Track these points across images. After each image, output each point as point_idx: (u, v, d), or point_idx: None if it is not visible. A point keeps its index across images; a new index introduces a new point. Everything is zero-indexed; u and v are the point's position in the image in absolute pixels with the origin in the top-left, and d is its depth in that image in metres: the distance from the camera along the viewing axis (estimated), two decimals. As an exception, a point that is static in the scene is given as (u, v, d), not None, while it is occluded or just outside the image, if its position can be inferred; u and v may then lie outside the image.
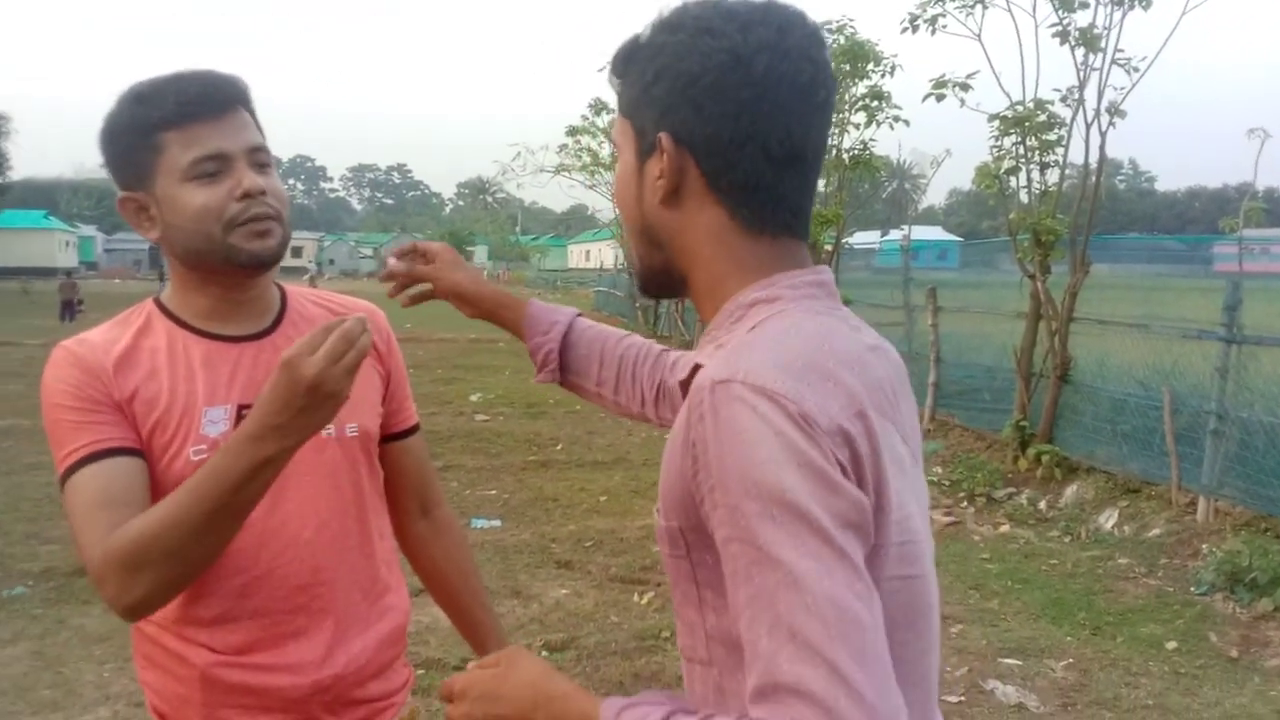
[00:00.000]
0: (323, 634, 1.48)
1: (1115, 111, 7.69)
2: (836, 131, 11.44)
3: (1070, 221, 7.97)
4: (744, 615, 0.87)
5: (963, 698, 4.22)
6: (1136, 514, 6.68)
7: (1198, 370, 6.74)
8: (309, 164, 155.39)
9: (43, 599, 4.96)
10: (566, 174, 21.91)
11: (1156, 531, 6.38)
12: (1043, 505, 7.32)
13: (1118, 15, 7.57)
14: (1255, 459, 6.07)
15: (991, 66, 8.20)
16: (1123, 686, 4.36)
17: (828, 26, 10.89)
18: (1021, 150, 8.24)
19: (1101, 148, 7.83)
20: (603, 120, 19.17)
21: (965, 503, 7.51)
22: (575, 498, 7.38)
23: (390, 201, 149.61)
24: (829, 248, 11.59)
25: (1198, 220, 78.16)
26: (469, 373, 14.46)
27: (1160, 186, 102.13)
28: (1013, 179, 8.46)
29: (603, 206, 30.31)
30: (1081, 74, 7.75)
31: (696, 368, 1.02)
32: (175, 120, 1.38)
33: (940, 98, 8.41)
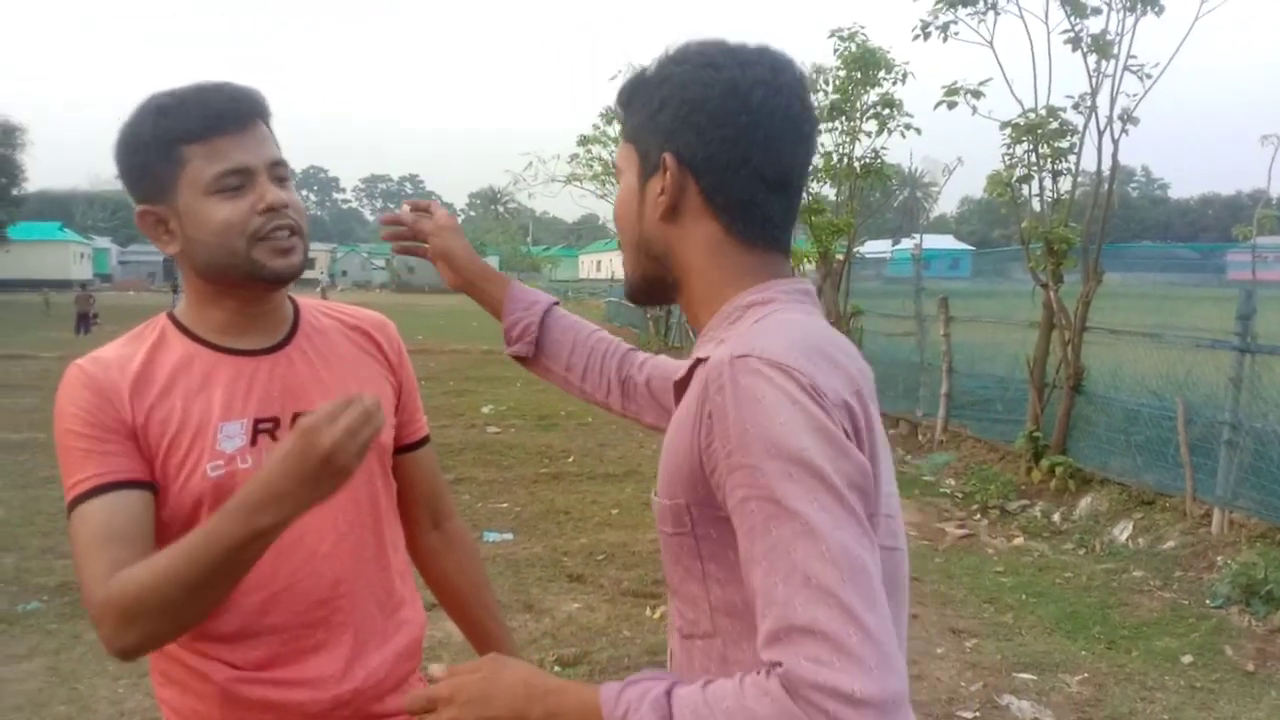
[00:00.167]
0: (342, 648, 1.48)
1: (1128, 118, 7.67)
2: (848, 139, 11.44)
3: (1083, 230, 7.93)
4: (760, 566, 0.94)
5: (977, 713, 4.19)
6: (1151, 526, 6.64)
7: (1211, 380, 6.70)
8: (322, 175, 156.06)
9: (58, 614, 4.97)
10: (578, 184, 21.93)
11: (1171, 544, 6.33)
12: (1056, 517, 7.28)
13: (1130, 21, 7.57)
14: (1270, 470, 6.03)
15: (1004, 73, 8.21)
16: (1138, 701, 4.32)
17: (839, 34, 10.91)
18: (1034, 158, 8.22)
19: (1114, 155, 7.82)
20: (614, 129, 19.20)
21: (979, 515, 7.48)
22: (587, 510, 7.36)
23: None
24: (840, 257, 11.57)
25: (1211, 228, 77.78)
26: (480, 385, 14.47)
27: (1173, 194, 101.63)
28: (1025, 187, 8.44)
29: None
30: (1094, 81, 7.74)
31: (695, 364, 1.11)
32: (199, 134, 1.37)
33: (952, 105, 8.40)
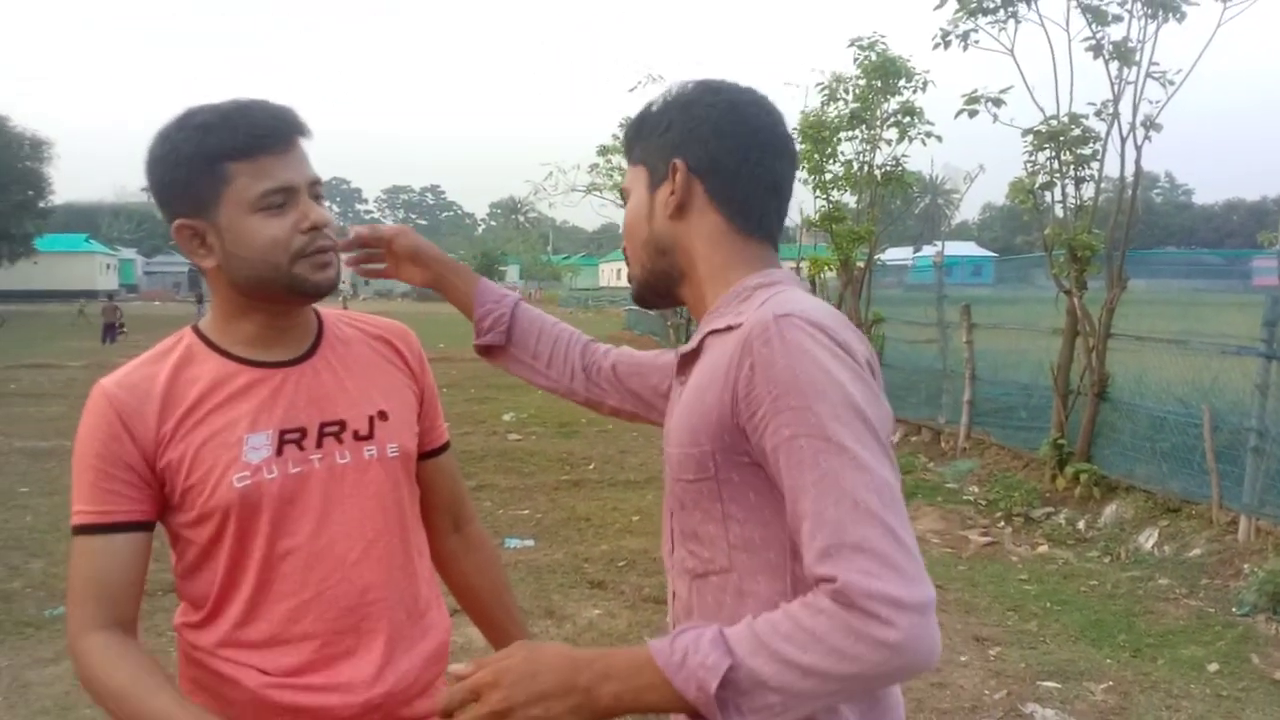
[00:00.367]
0: (372, 654, 1.49)
1: (1151, 125, 7.61)
2: (868, 148, 11.43)
3: (1106, 236, 7.89)
4: (809, 494, 1.07)
5: (1001, 721, 4.16)
6: (1177, 534, 6.57)
7: (1237, 387, 6.63)
8: (345, 186, 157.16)
9: (83, 619, 5.01)
10: (598, 193, 22.02)
11: (1197, 551, 6.27)
12: (1081, 525, 7.22)
13: (1152, 28, 7.51)
14: (1298, 477, 5.96)
15: (1025, 81, 8.16)
16: (1164, 710, 4.28)
17: (859, 43, 10.91)
18: (1056, 165, 8.17)
19: (1137, 161, 7.76)
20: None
21: (1003, 522, 7.44)
22: (608, 517, 7.37)
23: (424, 222, 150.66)
24: (861, 264, 11.54)
25: (1236, 234, 77.09)
26: (501, 392, 14.51)
27: (1198, 199, 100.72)
28: (1047, 194, 8.39)
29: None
30: (1116, 87, 7.68)
31: (705, 337, 1.28)
32: (245, 151, 1.39)
33: (973, 113, 8.36)
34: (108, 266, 68.06)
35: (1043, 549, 6.77)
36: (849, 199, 12.06)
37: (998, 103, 8.28)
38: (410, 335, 1.70)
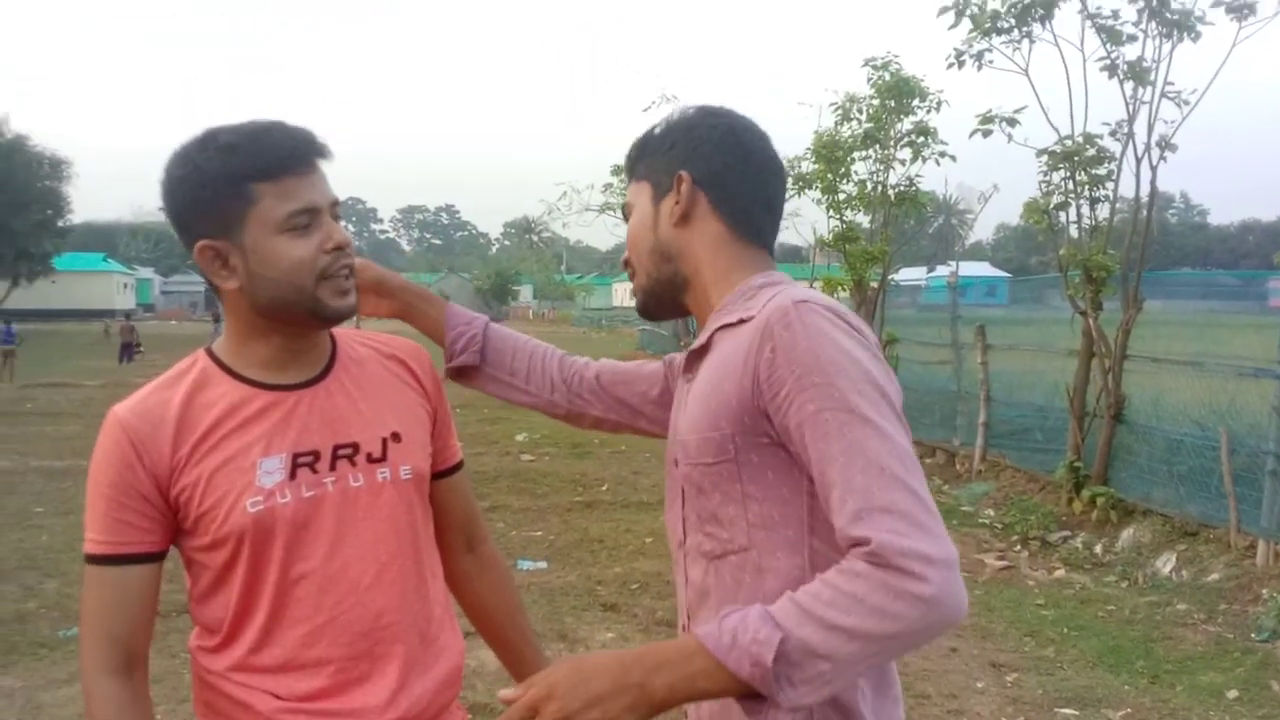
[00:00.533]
0: (386, 679, 1.48)
1: (1166, 145, 7.60)
2: (881, 167, 11.44)
3: (1122, 257, 7.85)
4: (836, 463, 1.14)
5: (1018, 748, 4.11)
6: (1194, 558, 6.51)
7: (1255, 409, 6.57)
8: (360, 205, 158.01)
9: (96, 639, 5.01)
10: (611, 212, 22.07)
11: (1215, 576, 6.21)
12: (1098, 549, 7.16)
13: (1166, 48, 7.51)
14: (1319, 501, 5.89)
15: (1039, 101, 8.16)
16: (1185, 738, 4.22)
17: (873, 63, 10.93)
18: (1071, 185, 8.16)
19: (1153, 182, 7.75)
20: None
21: (1019, 546, 7.38)
22: (621, 539, 7.34)
23: (439, 242, 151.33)
24: (874, 284, 11.53)
25: (1252, 254, 76.64)
26: (515, 413, 14.49)
27: (1213, 220, 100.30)
28: (1062, 214, 8.37)
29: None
30: (1131, 107, 7.68)
31: (714, 334, 1.36)
32: (271, 172, 1.39)
33: (987, 133, 8.36)
34: (125, 286, 68.50)
35: (1060, 573, 6.71)
36: (862, 219, 12.07)
37: (1012, 123, 8.27)
38: (424, 354, 1.69)
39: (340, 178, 1.54)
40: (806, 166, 11.74)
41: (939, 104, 10.90)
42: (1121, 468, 7.71)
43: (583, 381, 1.72)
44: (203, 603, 1.49)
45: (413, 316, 1.74)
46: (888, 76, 10.88)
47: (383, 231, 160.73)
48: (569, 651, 5.00)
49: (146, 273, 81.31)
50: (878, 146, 11.29)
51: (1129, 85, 7.64)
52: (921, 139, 10.99)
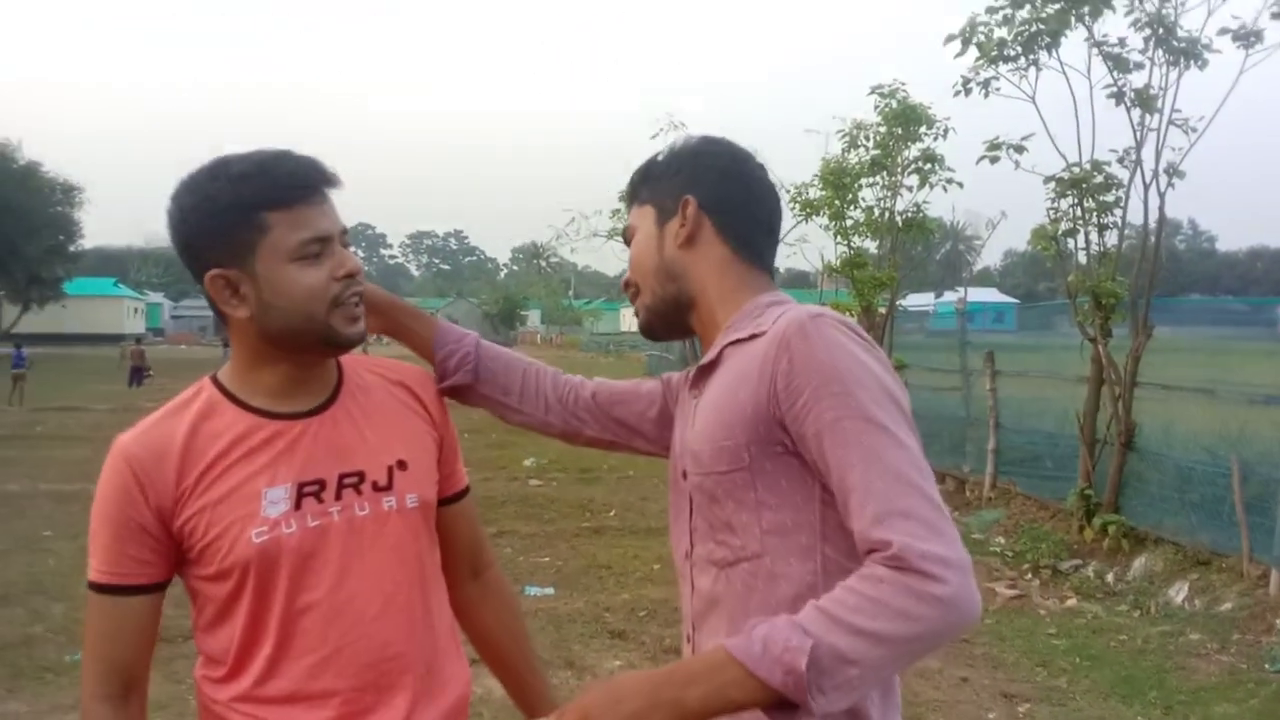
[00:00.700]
0: (392, 710, 1.47)
1: (1174, 172, 7.60)
2: (889, 194, 11.46)
3: (1130, 283, 7.84)
4: (855, 469, 1.19)
5: (1030, 779, 4.06)
6: (1207, 587, 6.45)
7: (1266, 437, 6.55)
8: (369, 231, 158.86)
9: (102, 665, 4.99)
10: (620, 238, 22.12)
11: (1228, 605, 6.15)
12: (1110, 578, 7.10)
13: (1173, 75, 7.53)
14: (1332, 529, 5.84)
15: (1046, 128, 8.17)
16: (1199, 770, 4.17)
17: (880, 90, 10.98)
18: (1079, 212, 8.16)
19: (1161, 208, 7.75)
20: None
21: (1030, 575, 7.32)
22: (629, 565, 7.31)
23: (447, 267, 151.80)
24: (882, 310, 11.52)
25: (1261, 281, 76.57)
26: (522, 438, 14.42)
27: (1221, 246, 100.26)
28: (1070, 241, 8.36)
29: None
30: (1138, 135, 7.69)
31: (724, 350, 1.39)
32: (283, 201, 1.39)
33: (994, 160, 8.37)
34: (135, 310, 68.86)
35: (1071, 602, 6.66)
36: (870, 245, 12.07)
37: (1019, 149, 8.29)
38: (430, 380, 1.68)
39: (349, 204, 1.54)
40: (814, 193, 11.76)
41: (946, 131, 10.93)
42: (1133, 495, 7.66)
43: (578, 400, 1.72)
44: (208, 633, 1.48)
45: (401, 334, 1.73)
46: (895, 104, 10.91)
47: (392, 257, 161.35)
48: (576, 679, 4.96)
49: (157, 297, 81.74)
50: (885, 173, 11.32)
51: (1136, 112, 7.66)
52: (929, 166, 11.01)
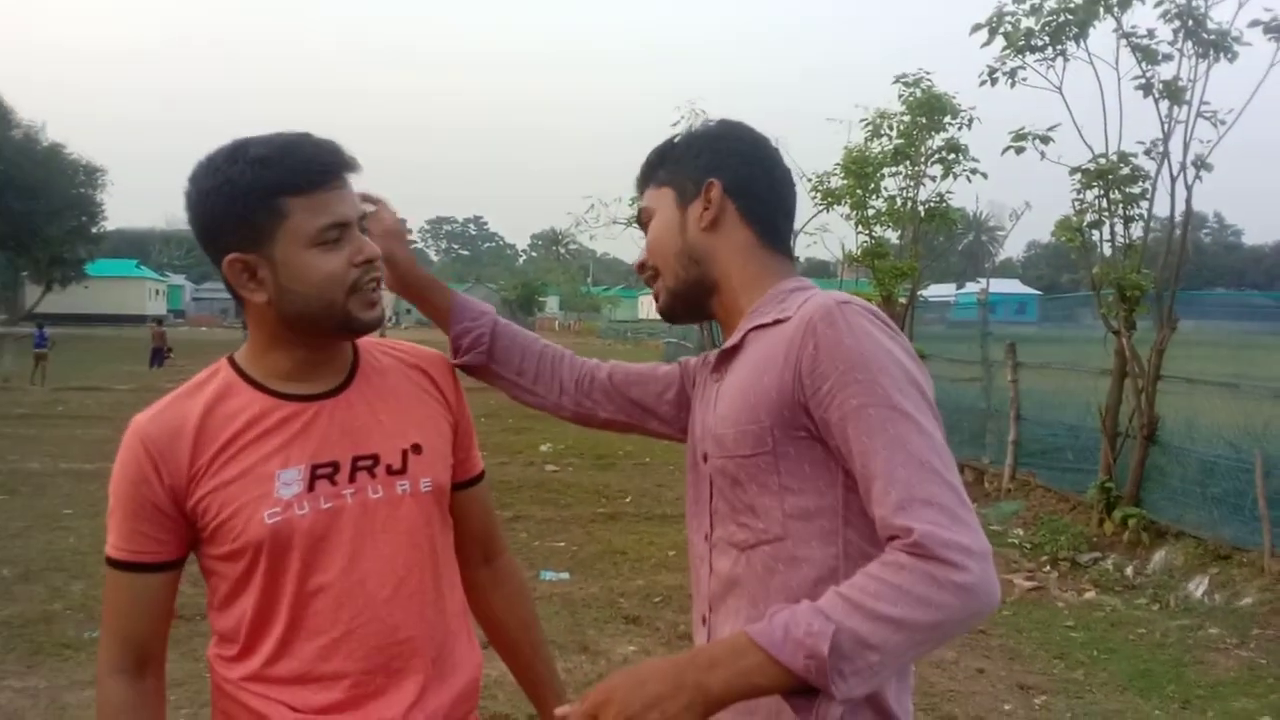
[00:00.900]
0: (402, 693, 1.47)
1: (1201, 165, 7.50)
2: (912, 184, 11.37)
3: (1155, 276, 7.76)
4: (879, 456, 1.19)
5: (1046, 772, 4.04)
6: (1227, 581, 6.40)
7: (1291, 432, 6.47)
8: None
9: (121, 641, 5.04)
10: (638, 225, 22.07)
11: (1248, 600, 6.10)
12: (1129, 571, 7.05)
13: (1202, 68, 7.42)
14: (1357, 526, 5.78)
15: (1073, 119, 8.07)
16: (1218, 766, 4.14)
17: (904, 79, 10.89)
18: (1104, 204, 8.08)
19: (1188, 201, 7.64)
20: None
21: (1048, 567, 7.28)
22: (644, 551, 7.31)
23: (466, 253, 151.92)
24: (903, 300, 11.45)
25: (1287, 275, 75.72)
26: (539, 422, 14.51)
27: (1247, 240, 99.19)
28: (1095, 232, 8.28)
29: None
30: (1166, 127, 7.59)
31: (747, 334, 1.40)
32: (303, 186, 1.38)
33: (1020, 150, 8.29)
34: (157, 292, 69.40)
35: (1090, 595, 6.62)
36: (891, 235, 12.00)
37: (1045, 140, 8.19)
38: (446, 364, 1.68)
39: (367, 189, 1.53)
40: (836, 182, 11.69)
41: (970, 121, 10.83)
42: (1154, 489, 7.59)
43: (594, 382, 1.72)
44: (220, 612, 1.49)
45: (416, 299, 1.72)
46: (919, 93, 10.82)
47: (412, 242, 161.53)
48: (590, 664, 4.97)
49: (178, 279, 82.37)
50: (908, 163, 11.24)
51: (1164, 104, 7.56)
52: (953, 156, 10.92)
